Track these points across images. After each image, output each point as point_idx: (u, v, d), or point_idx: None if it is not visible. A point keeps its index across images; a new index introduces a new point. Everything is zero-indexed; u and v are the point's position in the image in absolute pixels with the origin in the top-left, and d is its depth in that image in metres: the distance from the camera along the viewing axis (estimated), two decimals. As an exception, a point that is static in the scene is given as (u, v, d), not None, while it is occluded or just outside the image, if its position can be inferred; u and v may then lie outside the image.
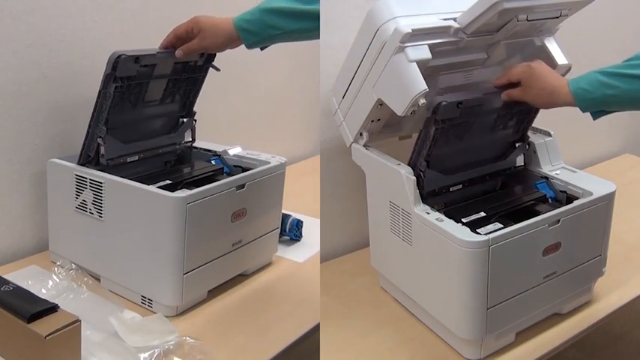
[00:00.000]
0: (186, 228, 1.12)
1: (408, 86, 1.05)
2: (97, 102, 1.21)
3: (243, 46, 1.19)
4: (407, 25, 1.05)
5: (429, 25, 1.08)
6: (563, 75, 1.23)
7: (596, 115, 1.09)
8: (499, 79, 1.19)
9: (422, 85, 1.04)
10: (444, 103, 1.09)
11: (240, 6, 1.76)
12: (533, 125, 1.36)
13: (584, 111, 1.09)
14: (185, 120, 1.42)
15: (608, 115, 1.08)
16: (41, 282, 1.19)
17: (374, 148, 1.25)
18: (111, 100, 1.19)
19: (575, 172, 1.28)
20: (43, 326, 0.90)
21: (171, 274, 1.14)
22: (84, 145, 1.24)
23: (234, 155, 1.39)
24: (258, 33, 1.15)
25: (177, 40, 1.22)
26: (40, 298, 0.97)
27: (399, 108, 1.08)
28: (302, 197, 1.61)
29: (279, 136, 2.16)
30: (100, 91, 1.19)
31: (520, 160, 1.34)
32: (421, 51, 1.06)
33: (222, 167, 1.38)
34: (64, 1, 1.38)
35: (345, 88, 1.23)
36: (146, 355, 1.01)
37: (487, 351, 1.12)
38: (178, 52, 1.22)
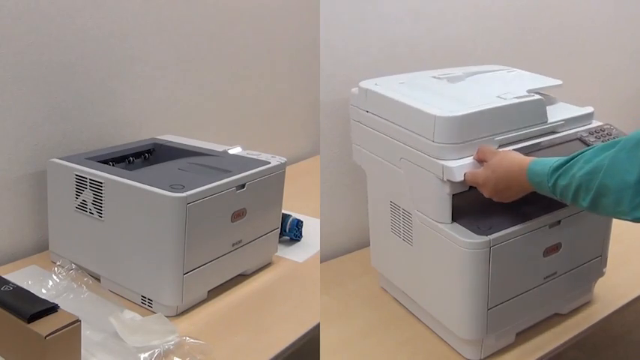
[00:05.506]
0: (186, 228, 1.12)
1: (437, 210, 1.07)
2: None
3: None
4: (459, 167, 1.02)
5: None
6: None
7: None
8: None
9: (448, 219, 1.06)
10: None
11: (240, 5, 1.76)
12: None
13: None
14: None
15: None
16: (41, 282, 1.19)
17: (374, 148, 1.25)
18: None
19: (575, 172, 1.28)
20: (43, 326, 0.89)
21: (171, 274, 1.14)
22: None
23: (234, 155, 1.39)
24: None
25: None
26: (40, 298, 0.97)
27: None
28: (302, 197, 1.60)
29: (279, 136, 2.16)
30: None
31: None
32: (459, 185, 1.03)
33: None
34: (64, 1, 1.38)
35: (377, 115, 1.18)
36: (146, 355, 1.01)
37: (487, 351, 1.12)
38: None
